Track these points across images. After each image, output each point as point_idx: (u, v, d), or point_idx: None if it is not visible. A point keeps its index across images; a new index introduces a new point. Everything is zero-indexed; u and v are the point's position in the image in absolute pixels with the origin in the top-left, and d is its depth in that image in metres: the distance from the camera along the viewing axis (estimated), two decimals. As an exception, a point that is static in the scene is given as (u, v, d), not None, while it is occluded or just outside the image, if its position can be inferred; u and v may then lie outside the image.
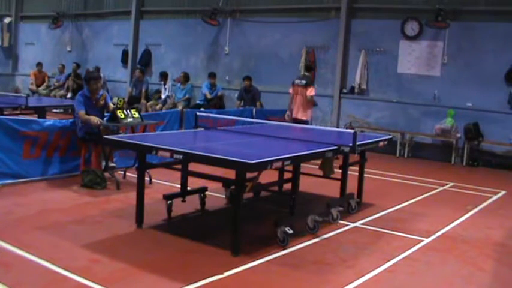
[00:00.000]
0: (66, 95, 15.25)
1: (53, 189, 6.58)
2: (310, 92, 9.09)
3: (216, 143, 5.65)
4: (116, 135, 6.12)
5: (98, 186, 6.59)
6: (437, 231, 5.62)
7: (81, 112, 6.82)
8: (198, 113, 6.79)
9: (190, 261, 4.39)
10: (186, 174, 5.72)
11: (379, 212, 6.33)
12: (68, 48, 17.15)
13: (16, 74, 18.66)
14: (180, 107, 12.27)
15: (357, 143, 5.33)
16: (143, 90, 14.11)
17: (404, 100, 11.55)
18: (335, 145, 5.37)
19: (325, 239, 5.17)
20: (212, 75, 13.17)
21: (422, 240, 5.29)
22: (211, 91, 13.17)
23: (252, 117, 9.98)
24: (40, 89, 15.98)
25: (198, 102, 13.29)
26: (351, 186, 6.37)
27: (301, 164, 5.51)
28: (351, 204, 6.14)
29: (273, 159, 4.51)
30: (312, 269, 4.34)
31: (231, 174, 4.65)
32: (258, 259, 4.43)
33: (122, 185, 6.70)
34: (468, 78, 10.78)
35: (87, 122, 6.76)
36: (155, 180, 6.96)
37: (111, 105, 7.12)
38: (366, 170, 6.72)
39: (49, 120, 7.34)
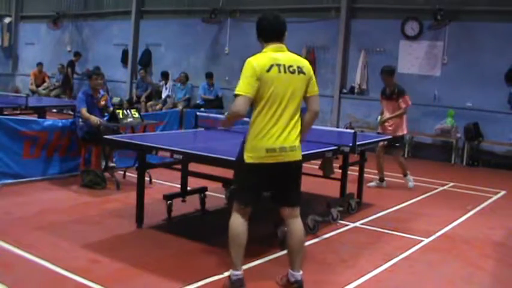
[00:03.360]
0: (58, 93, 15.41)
1: (53, 189, 6.58)
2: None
3: (216, 143, 5.64)
4: (116, 135, 6.13)
5: (98, 186, 6.59)
6: (437, 231, 5.62)
7: (83, 109, 6.83)
8: (198, 113, 6.80)
9: (190, 261, 4.39)
10: (186, 174, 5.72)
11: (379, 212, 6.33)
12: (68, 48, 17.12)
13: (16, 74, 18.65)
14: (180, 107, 12.27)
15: (357, 143, 5.33)
16: (148, 90, 14.20)
17: (404, 100, 11.54)
18: (335, 145, 5.37)
19: (325, 239, 5.17)
20: (209, 76, 13.14)
21: (422, 240, 5.29)
22: (209, 91, 13.15)
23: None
24: (40, 89, 15.97)
25: (198, 102, 13.28)
26: (351, 187, 6.38)
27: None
28: (351, 204, 6.14)
29: (273, 159, 4.49)
30: (312, 269, 4.34)
31: (231, 174, 4.64)
32: (258, 259, 4.42)
33: (122, 185, 6.70)
34: (468, 78, 10.77)
35: (88, 120, 6.76)
36: (155, 180, 6.96)
37: (111, 109, 7.14)
38: (366, 170, 6.72)
39: (49, 120, 7.35)
